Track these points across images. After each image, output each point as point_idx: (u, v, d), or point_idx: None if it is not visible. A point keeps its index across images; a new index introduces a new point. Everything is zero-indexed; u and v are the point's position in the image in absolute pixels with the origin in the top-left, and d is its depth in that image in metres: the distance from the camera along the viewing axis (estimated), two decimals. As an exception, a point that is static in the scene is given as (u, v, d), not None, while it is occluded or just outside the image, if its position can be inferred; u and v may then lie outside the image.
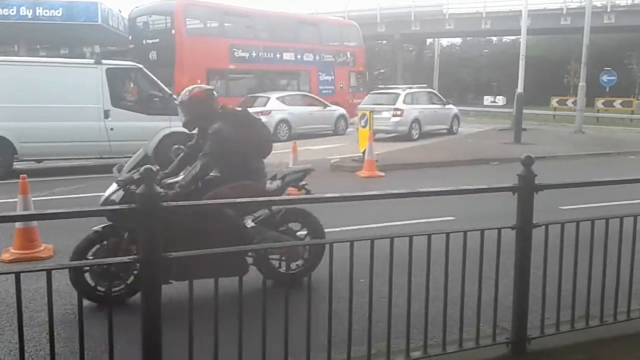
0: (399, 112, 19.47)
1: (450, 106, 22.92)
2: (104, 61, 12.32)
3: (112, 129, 11.87)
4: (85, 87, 11.80)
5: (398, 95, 20.14)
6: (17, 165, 11.70)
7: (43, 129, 11.30)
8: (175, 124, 11.10)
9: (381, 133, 18.90)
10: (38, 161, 12.16)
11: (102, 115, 11.85)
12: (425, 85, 25.35)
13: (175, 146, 5.91)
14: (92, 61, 12.52)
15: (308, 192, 5.05)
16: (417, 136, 19.78)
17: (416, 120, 19.92)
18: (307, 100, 21.71)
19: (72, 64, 13.16)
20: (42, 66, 12.46)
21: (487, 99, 51.30)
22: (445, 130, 21.93)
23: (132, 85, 13.20)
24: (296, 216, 5.26)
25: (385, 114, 19.14)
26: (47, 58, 13.84)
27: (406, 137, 19.40)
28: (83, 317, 2.61)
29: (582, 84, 22.57)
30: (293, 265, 4.57)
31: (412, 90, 21.15)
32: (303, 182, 5.25)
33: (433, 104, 21.66)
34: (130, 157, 5.08)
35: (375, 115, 18.73)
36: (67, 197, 9.61)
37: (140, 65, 13.18)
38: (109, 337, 2.67)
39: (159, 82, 12.91)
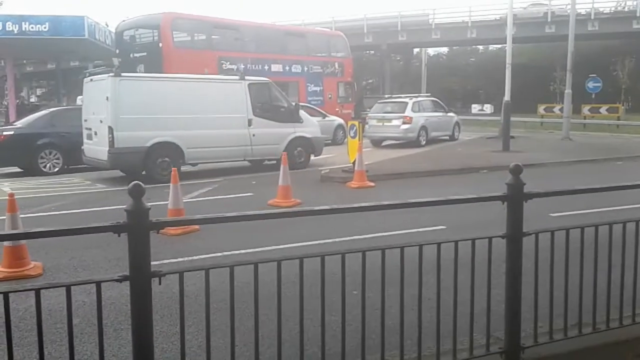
0: (408, 120, 20.68)
1: (452, 114, 24.35)
2: (246, 77, 14.48)
3: (254, 135, 13.92)
4: (233, 100, 13.83)
5: (406, 103, 21.48)
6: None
7: (204, 136, 13.15)
8: (299, 130, 14.71)
9: (390, 140, 19.99)
10: (194, 165, 13.70)
11: (247, 123, 13.90)
12: (429, 94, 26.13)
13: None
14: (237, 77, 14.53)
15: None
16: (424, 142, 20.99)
17: (424, 127, 21.20)
18: (307, 111, 21.90)
19: (223, 80, 15.23)
20: (200, 82, 14.34)
21: (475, 107, 51.62)
22: (447, 137, 23.17)
23: (265, 98, 14.83)
24: None
25: (395, 122, 20.62)
26: (203, 75, 16.99)
27: (414, 143, 20.53)
28: (73, 336, 2.58)
29: (568, 91, 22.76)
30: None
31: (419, 99, 22.71)
32: None
33: (437, 111, 22.88)
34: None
35: (385, 123, 19.08)
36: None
37: (270, 80, 15.43)
38: (99, 356, 2.64)
39: (284, 94, 15.51)
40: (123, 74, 12.83)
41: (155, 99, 12.67)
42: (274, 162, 14.03)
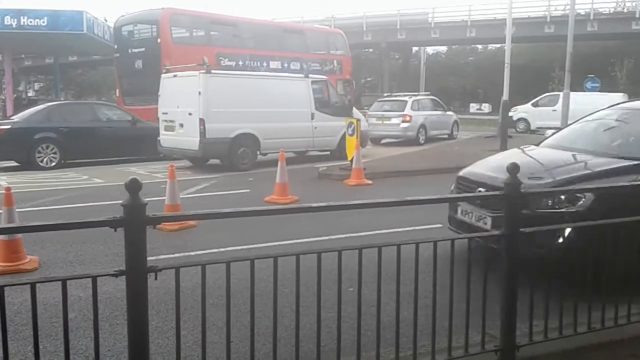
0: (407, 118, 20.95)
1: (450, 113, 24.59)
2: (310, 75, 16.15)
3: (315, 128, 15.38)
4: (299, 96, 15.26)
5: (405, 102, 21.70)
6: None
7: (276, 129, 14.40)
8: None
9: (390, 138, 20.27)
10: (264, 154, 14.49)
11: (310, 117, 15.34)
12: (429, 92, 26.30)
13: None
14: (302, 75, 16.07)
15: None
16: (423, 141, 21.25)
17: (423, 126, 21.47)
18: None
19: (291, 77, 16.25)
20: (273, 79, 15.80)
21: (473, 107, 51.67)
22: (446, 136, 23.38)
23: (324, 94, 16.28)
24: None
25: (394, 120, 20.92)
26: (275, 72, 18.97)
27: (414, 141, 20.80)
28: (69, 330, 2.58)
29: (566, 91, 22.76)
30: None
31: (418, 98, 22.90)
32: None
33: (436, 110, 23.07)
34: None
35: (384, 122, 19.21)
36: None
37: (327, 78, 17.12)
38: (95, 350, 2.64)
39: (338, 91, 17.09)
40: (213, 71, 13.84)
41: (238, 93, 13.84)
42: (328, 152, 16.05)
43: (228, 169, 13.81)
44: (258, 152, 14.38)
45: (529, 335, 3.57)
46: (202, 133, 13.33)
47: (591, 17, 40.81)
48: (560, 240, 4.30)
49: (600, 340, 3.78)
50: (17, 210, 6.18)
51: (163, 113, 14.65)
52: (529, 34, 41.58)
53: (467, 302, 3.37)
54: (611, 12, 42.93)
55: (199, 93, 13.28)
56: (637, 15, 39.93)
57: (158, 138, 14.81)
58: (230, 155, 13.89)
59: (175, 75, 14.54)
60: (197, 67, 14.41)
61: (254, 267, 2.86)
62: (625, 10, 42.69)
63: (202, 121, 13.31)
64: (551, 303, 3.58)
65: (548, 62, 46.24)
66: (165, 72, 15.02)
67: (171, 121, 14.34)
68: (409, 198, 3.43)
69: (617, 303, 3.85)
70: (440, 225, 7.39)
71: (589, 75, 31.32)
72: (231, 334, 2.88)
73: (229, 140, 13.78)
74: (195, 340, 3.89)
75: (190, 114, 13.58)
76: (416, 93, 25.21)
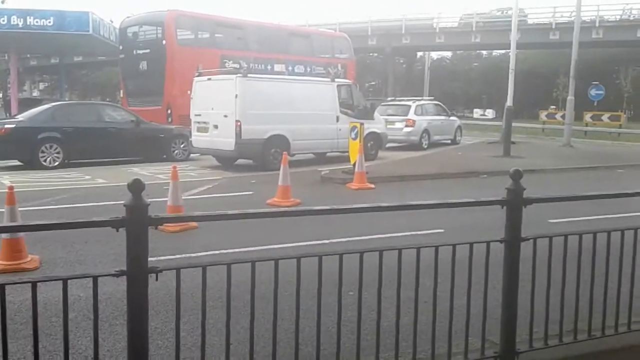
0: (411, 123, 21.08)
1: (454, 118, 24.81)
2: (336, 80, 16.91)
3: (340, 130, 15.62)
4: (326, 98, 15.92)
5: (409, 107, 21.83)
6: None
7: (305, 130, 15.11)
8: (372, 126, 16.67)
9: (393, 142, 20.21)
10: (292, 155, 14.43)
11: (335, 119, 15.92)
12: (433, 97, 26.39)
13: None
14: (329, 79, 16.80)
15: None
16: (426, 145, 21.38)
17: (426, 131, 21.60)
18: None
19: (319, 81, 17.09)
20: (302, 82, 16.65)
21: (477, 112, 51.64)
22: (449, 141, 23.47)
23: (348, 97, 16.74)
24: None
25: (398, 125, 20.97)
26: (303, 77, 19.92)
27: (417, 146, 20.93)
28: (69, 329, 2.58)
29: (570, 97, 22.76)
30: None
31: (422, 102, 23.00)
32: None
33: (439, 115, 23.21)
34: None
35: (388, 126, 19.38)
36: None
37: (352, 82, 18.15)
38: (94, 350, 2.64)
39: (361, 95, 18.11)
40: (249, 75, 14.35)
41: (270, 96, 14.43)
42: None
43: (261, 168, 14.32)
44: (288, 153, 14.57)
45: (529, 341, 3.56)
46: (238, 134, 13.90)
47: (596, 25, 40.79)
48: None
49: (600, 348, 3.76)
50: (20, 209, 6.19)
51: (196, 115, 15.10)
52: (534, 40, 41.59)
53: (467, 308, 3.36)
54: (617, 19, 42.90)
55: (236, 96, 13.84)
56: (642, 23, 39.93)
57: (190, 139, 15.45)
58: (263, 155, 14.43)
59: (209, 79, 14.96)
60: (232, 70, 15.26)
61: (255, 270, 2.86)
62: (631, 18, 42.66)
63: (238, 123, 13.85)
64: (551, 310, 3.57)
65: (553, 69, 46.27)
66: (197, 76, 15.31)
67: (205, 123, 14.80)
68: (411, 203, 3.43)
69: (618, 311, 3.84)
70: (442, 230, 7.40)
71: (593, 83, 31.30)
72: (230, 336, 2.87)
73: (263, 141, 14.35)
74: (194, 342, 3.89)
75: (225, 115, 14.11)
76: (420, 98, 25.28)
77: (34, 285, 2.47)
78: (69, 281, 2.54)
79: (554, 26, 41.98)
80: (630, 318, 3.89)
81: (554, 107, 40.93)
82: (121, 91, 23.77)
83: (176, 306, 2.77)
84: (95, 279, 2.58)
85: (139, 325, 2.62)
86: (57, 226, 2.62)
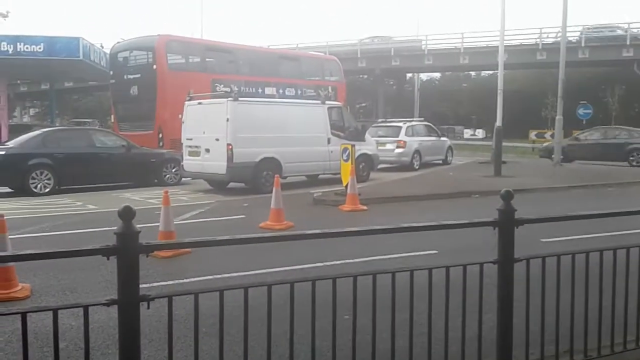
0: (402, 144, 21.16)
1: (445, 138, 24.98)
2: (326, 102, 17.01)
3: (331, 152, 15.61)
4: (317, 121, 15.96)
5: (400, 128, 21.91)
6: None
7: (297, 153, 15.15)
8: (364, 148, 16.66)
9: (384, 164, 20.21)
10: (284, 177, 14.41)
11: (327, 141, 15.96)
12: (423, 118, 26.55)
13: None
14: (319, 102, 16.95)
15: None
16: (417, 166, 21.41)
17: (417, 151, 21.66)
18: None
19: (309, 104, 17.27)
20: (293, 105, 16.58)
21: (467, 132, 51.97)
22: (440, 161, 23.61)
23: (339, 119, 16.80)
24: None
25: (389, 146, 21.03)
26: (293, 99, 19.92)
27: (408, 167, 20.97)
28: (60, 359, 2.54)
29: (559, 117, 22.94)
30: None
31: (413, 123, 23.12)
32: None
33: (430, 136, 23.36)
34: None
35: (379, 147, 19.53)
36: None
37: (342, 105, 18.44)
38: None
39: (352, 116, 18.18)
40: (240, 98, 14.34)
41: (262, 119, 14.51)
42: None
43: (253, 191, 14.23)
44: (280, 176, 14.60)
45: (525, 363, 3.54)
46: (230, 157, 13.93)
47: (582, 45, 41.33)
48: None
49: (596, 368, 3.75)
50: (10, 237, 6.13)
51: (187, 139, 15.09)
52: (521, 61, 42.04)
53: (462, 330, 3.34)
54: (601, 36, 43.40)
55: (227, 119, 13.88)
56: (627, 43, 40.48)
57: (181, 163, 15.43)
58: (255, 178, 14.43)
59: (200, 103, 15.00)
60: (223, 94, 15.26)
61: (248, 296, 2.84)
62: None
63: (229, 146, 13.89)
64: (547, 330, 3.56)
65: (541, 88, 46.71)
66: (189, 100, 15.33)
67: (196, 147, 14.82)
68: (404, 225, 3.43)
69: (613, 330, 3.83)
70: (436, 252, 7.40)
71: (581, 102, 31.60)
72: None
73: (254, 164, 14.38)
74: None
75: (217, 139, 14.13)
76: (410, 119, 25.44)
77: (24, 316, 2.44)
78: (59, 310, 2.51)
79: (540, 47, 42.51)
80: (626, 337, 3.88)
81: (545, 131, 41.12)
82: (112, 116, 23.77)
83: (168, 335, 2.74)
84: (86, 308, 2.55)
85: (131, 354, 2.59)
86: (47, 255, 2.61)
